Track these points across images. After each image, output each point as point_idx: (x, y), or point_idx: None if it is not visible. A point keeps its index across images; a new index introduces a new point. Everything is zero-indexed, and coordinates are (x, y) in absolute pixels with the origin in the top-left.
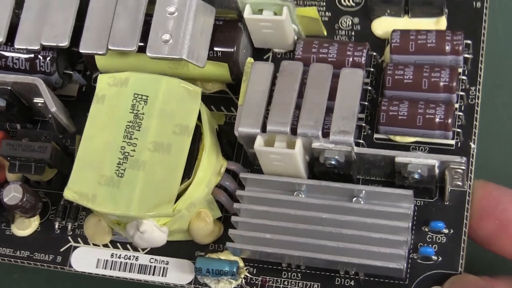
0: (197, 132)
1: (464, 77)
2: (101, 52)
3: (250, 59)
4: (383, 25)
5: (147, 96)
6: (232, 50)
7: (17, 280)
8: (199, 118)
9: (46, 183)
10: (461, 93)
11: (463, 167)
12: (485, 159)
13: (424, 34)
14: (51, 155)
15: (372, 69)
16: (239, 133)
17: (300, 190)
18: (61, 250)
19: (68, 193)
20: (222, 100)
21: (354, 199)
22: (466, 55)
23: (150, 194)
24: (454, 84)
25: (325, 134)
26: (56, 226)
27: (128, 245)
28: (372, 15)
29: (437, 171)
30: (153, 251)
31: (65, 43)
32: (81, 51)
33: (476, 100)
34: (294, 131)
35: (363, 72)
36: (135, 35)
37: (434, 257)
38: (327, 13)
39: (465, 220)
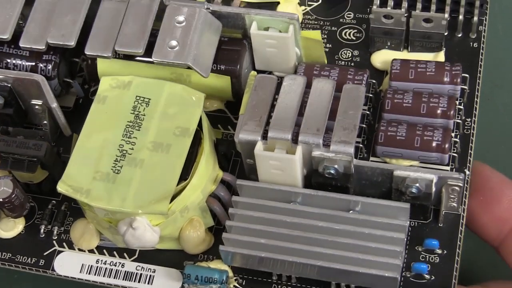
0: (197, 137)
1: (460, 107)
2: (106, 55)
3: (253, 73)
4: (382, 58)
5: (149, 99)
6: (236, 64)
7: (17, 280)
8: (199, 124)
9: (35, 186)
10: (458, 120)
11: (460, 184)
12: (484, 159)
13: (424, 64)
14: (46, 153)
15: (370, 95)
16: (239, 140)
17: (296, 201)
18: (45, 254)
19: (62, 186)
20: (220, 119)
21: (351, 211)
22: (463, 87)
23: (146, 191)
24: (452, 112)
25: (325, 146)
26: (42, 230)
27: (114, 252)
28: (372, 47)
29: (434, 188)
30: (141, 258)
31: (71, 42)
32: (86, 52)
33: (472, 131)
34: (295, 140)
35: (364, 88)
36: (142, 38)
37: (427, 276)
38: (328, 45)
39: (458, 242)
